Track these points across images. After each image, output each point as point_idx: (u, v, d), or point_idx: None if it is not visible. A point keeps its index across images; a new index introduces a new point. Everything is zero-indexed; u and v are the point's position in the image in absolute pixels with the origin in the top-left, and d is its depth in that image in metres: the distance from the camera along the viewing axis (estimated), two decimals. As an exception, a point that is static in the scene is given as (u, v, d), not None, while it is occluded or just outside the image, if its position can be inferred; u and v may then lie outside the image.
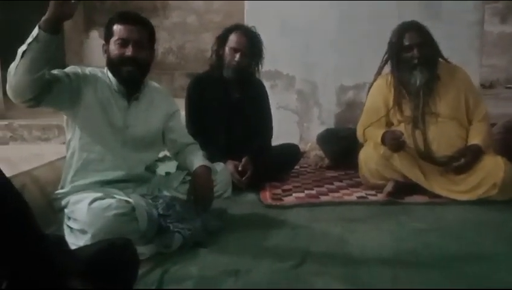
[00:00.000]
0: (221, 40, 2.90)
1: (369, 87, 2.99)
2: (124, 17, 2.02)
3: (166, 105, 2.21)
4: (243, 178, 2.76)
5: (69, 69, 1.97)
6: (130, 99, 2.07)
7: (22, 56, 1.70)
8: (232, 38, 2.86)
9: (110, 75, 2.06)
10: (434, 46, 2.77)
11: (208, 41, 2.87)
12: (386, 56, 2.88)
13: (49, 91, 1.83)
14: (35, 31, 1.70)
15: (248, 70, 2.92)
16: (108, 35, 2.03)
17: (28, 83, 1.74)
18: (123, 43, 1.98)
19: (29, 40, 1.70)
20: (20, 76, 1.72)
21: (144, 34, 2.03)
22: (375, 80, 2.95)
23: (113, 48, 2.00)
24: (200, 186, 2.07)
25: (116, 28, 2.00)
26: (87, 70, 2.04)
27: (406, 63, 2.73)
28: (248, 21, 3.86)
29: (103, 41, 2.08)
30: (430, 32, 2.76)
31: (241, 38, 2.85)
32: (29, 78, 1.73)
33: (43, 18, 1.70)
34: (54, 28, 1.71)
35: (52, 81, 1.83)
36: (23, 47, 1.71)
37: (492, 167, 2.56)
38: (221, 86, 2.91)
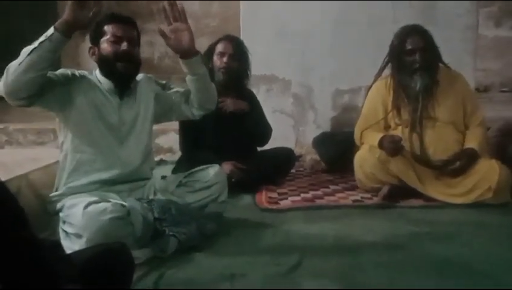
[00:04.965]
0: (208, 54, 2.94)
1: (368, 89, 2.99)
2: (115, 17, 2.06)
3: (153, 88, 2.20)
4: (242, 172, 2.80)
5: (59, 72, 1.98)
6: (122, 96, 2.07)
7: (29, 54, 1.72)
8: (218, 46, 2.95)
9: (99, 76, 2.06)
10: (435, 51, 2.77)
11: (204, 45, 2.86)
12: (386, 58, 2.87)
13: (43, 92, 1.84)
14: (51, 31, 1.74)
15: (237, 73, 2.94)
16: (97, 37, 2.04)
17: (27, 80, 1.75)
18: (117, 40, 2.00)
19: (42, 38, 1.74)
20: (22, 73, 1.73)
21: (134, 32, 2.07)
22: (374, 81, 2.94)
23: (106, 46, 2.01)
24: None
25: (108, 27, 2.02)
26: (77, 72, 2.05)
27: (407, 66, 2.73)
28: (244, 25, 3.86)
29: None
30: (432, 37, 2.76)
31: (227, 44, 2.94)
32: (31, 76, 1.74)
33: (60, 20, 1.75)
34: (68, 32, 1.76)
35: (45, 82, 1.84)
36: (32, 45, 1.74)
37: (487, 170, 2.57)
38: None
